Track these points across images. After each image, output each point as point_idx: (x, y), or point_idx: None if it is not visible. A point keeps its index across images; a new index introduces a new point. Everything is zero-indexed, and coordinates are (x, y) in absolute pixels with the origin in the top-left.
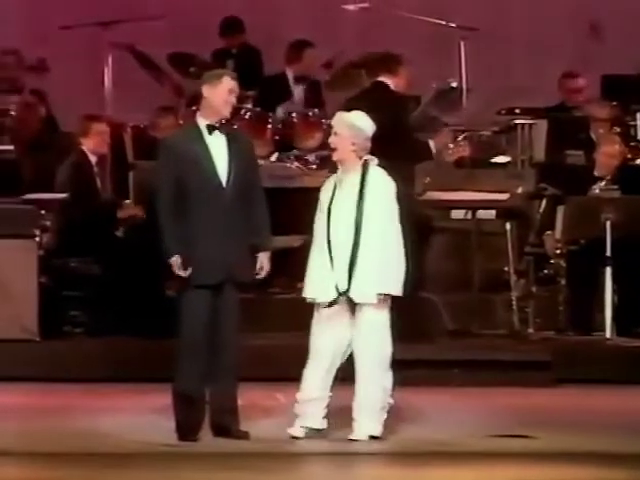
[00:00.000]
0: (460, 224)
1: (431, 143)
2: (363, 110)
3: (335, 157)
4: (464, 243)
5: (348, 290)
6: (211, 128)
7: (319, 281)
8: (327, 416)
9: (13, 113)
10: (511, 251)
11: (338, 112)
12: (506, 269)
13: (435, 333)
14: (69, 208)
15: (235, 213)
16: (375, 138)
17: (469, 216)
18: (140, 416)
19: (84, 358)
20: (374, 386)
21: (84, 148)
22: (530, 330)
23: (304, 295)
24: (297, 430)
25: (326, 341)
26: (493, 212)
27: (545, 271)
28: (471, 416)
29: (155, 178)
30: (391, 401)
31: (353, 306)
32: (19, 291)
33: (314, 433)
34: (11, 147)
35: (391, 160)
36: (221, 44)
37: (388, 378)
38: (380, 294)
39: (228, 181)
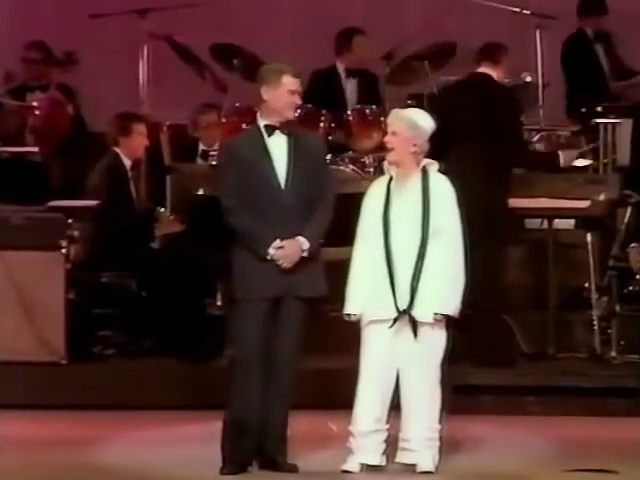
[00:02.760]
0: (535, 234)
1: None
2: (465, 104)
3: (390, 158)
4: (539, 256)
5: (410, 308)
6: (270, 129)
7: (375, 297)
8: (386, 451)
9: (38, 112)
10: (592, 265)
11: (394, 108)
12: (586, 285)
13: (507, 356)
14: (101, 216)
15: (295, 218)
16: (477, 136)
17: (545, 225)
18: (179, 447)
19: (116, 383)
20: (425, 412)
21: (118, 150)
22: (613, 353)
23: (348, 311)
24: (351, 467)
25: (380, 364)
26: (572, 221)
27: (630, 288)
28: (546, 448)
29: (219, 183)
30: (439, 427)
31: (411, 325)
32: (44, 309)
33: (371, 470)
34: (36, 149)
35: (494, 161)
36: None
37: (438, 403)
38: (437, 314)
39: (287, 184)
